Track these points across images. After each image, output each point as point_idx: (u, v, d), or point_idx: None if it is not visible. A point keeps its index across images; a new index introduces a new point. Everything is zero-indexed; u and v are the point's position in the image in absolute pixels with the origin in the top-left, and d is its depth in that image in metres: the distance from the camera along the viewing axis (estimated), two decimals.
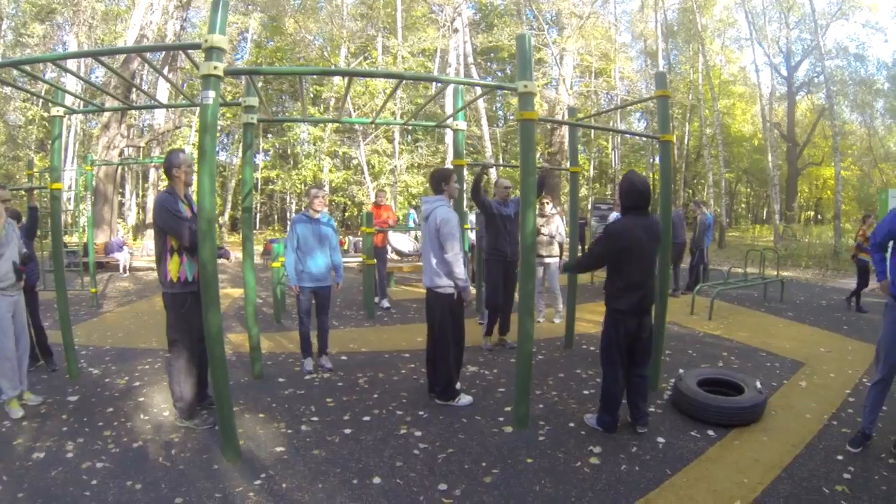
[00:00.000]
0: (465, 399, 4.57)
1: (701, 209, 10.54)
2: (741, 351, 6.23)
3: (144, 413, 4.32)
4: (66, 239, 12.61)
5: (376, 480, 3.29)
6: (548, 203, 7.38)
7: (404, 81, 11.23)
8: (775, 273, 10.50)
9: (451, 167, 4.90)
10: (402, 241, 13.73)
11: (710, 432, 3.96)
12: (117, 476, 3.30)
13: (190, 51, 3.98)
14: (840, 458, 3.58)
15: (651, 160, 26.36)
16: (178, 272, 3.92)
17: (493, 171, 16.33)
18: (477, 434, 3.97)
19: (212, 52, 3.28)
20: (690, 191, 30.74)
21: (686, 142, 28.76)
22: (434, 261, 4.46)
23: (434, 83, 19.29)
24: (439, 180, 4.64)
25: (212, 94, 3.29)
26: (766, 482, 3.27)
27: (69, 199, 17.67)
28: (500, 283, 6.12)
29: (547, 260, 7.29)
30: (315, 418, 4.24)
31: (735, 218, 37.85)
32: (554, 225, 7.27)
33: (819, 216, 36.05)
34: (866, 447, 3.68)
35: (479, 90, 10.34)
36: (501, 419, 4.23)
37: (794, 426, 4.08)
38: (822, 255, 16.37)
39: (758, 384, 4.34)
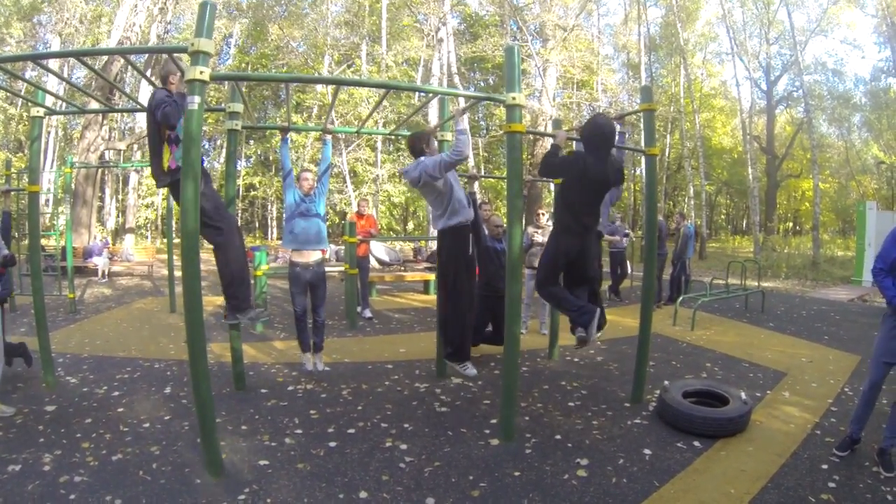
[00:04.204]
0: (471, 370, 4.50)
1: (683, 221, 10.66)
2: (724, 361, 6.27)
3: (124, 424, 4.21)
4: (44, 242, 12.37)
5: (363, 495, 3.24)
6: (543, 214, 7.54)
7: (389, 91, 11.15)
8: (756, 284, 10.63)
9: (430, 128, 4.83)
10: (383, 251, 13.69)
11: (697, 443, 3.97)
12: (96, 490, 3.20)
13: (175, 54, 3.91)
14: (825, 466, 3.61)
15: (633, 172, 26.59)
16: (168, 160, 3.96)
17: (476, 185, 16.35)
18: (463, 447, 3.93)
19: (198, 56, 3.22)
20: (671, 202, 31.05)
21: (667, 154, 29.12)
22: (437, 211, 4.46)
23: (418, 93, 19.30)
24: (419, 143, 4.51)
25: (197, 99, 3.23)
26: (752, 492, 3.28)
27: (47, 202, 17.38)
28: (489, 318, 6.03)
29: None
30: (299, 431, 4.17)
31: (715, 229, 38.37)
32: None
33: (798, 227, 36.74)
34: (853, 451, 3.73)
35: (462, 101, 10.37)
36: (487, 431, 4.19)
37: (779, 436, 4.11)
38: (802, 266, 16.64)
39: (742, 395, 4.36)
